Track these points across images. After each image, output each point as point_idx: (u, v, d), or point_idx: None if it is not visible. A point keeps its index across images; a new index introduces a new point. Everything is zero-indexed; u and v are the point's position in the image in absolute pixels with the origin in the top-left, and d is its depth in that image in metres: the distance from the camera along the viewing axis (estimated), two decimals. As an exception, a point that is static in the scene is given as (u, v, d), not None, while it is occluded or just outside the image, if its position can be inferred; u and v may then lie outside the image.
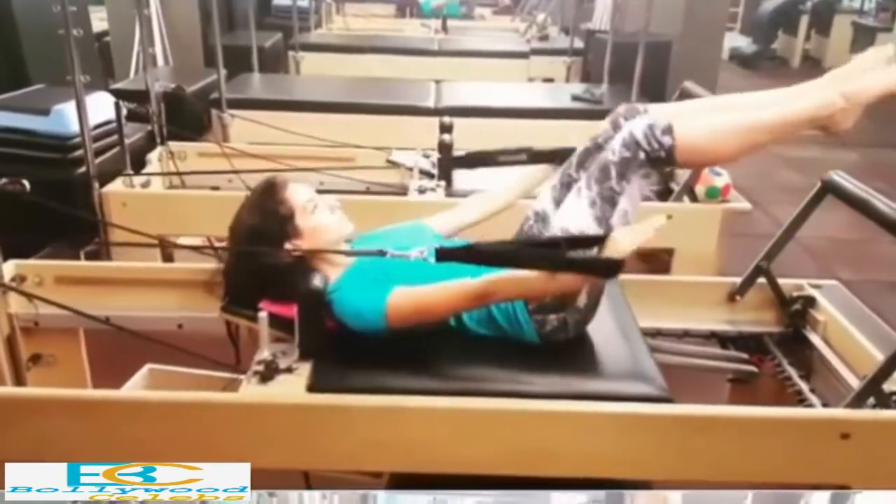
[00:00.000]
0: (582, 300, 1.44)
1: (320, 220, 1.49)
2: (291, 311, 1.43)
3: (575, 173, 1.58)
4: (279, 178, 1.53)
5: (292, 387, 1.39)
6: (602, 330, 1.54)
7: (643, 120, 1.45)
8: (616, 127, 1.55)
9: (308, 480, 1.48)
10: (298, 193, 1.50)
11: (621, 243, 1.30)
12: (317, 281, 1.41)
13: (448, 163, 1.91)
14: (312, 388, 1.39)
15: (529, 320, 1.45)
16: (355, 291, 1.42)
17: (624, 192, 1.43)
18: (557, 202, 1.56)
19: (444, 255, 1.36)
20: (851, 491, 1.35)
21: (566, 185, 1.57)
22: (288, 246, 1.46)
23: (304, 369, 1.42)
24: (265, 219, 1.48)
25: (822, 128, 1.50)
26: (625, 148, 1.43)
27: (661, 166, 1.45)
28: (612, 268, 1.30)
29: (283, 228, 1.46)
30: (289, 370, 1.41)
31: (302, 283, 1.40)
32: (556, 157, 1.71)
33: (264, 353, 1.43)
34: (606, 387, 1.41)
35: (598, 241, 1.34)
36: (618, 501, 1.25)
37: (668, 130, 1.42)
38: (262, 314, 1.41)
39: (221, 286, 1.56)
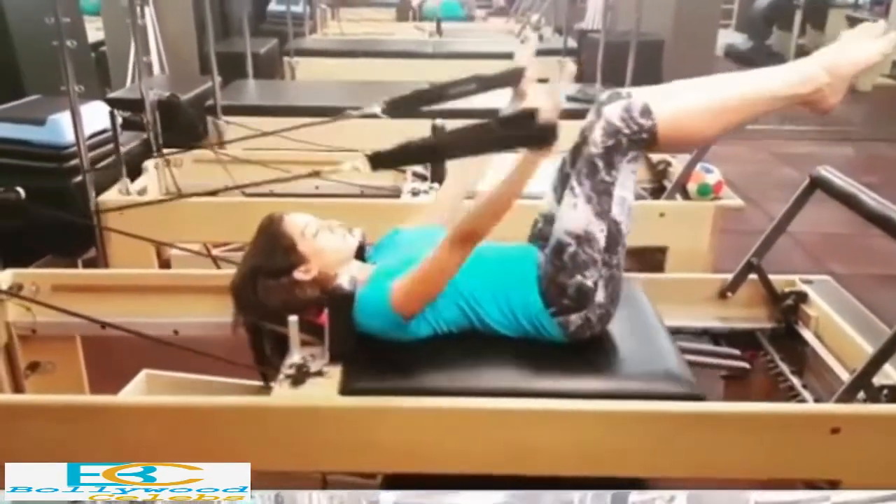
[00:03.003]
0: (600, 296, 1.43)
1: (322, 242, 1.49)
2: (319, 317, 1.46)
3: (569, 170, 1.54)
4: (275, 215, 1.52)
5: (324, 390, 1.40)
6: (627, 329, 1.55)
7: (619, 104, 1.42)
8: (599, 115, 1.49)
9: (325, 482, 1.50)
10: (295, 223, 1.50)
11: (545, 109, 1.25)
12: (347, 284, 1.42)
13: (396, 106, 1.80)
14: (345, 390, 1.40)
15: (553, 322, 1.45)
16: (366, 292, 1.42)
17: (616, 181, 1.41)
18: (560, 202, 1.53)
19: (377, 159, 1.33)
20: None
21: (563, 184, 1.54)
22: (298, 274, 1.47)
23: (334, 373, 1.43)
24: (269, 256, 1.48)
25: (809, 103, 1.47)
26: (606, 137, 1.40)
27: (645, 148, 1.41)
28: (547, 133, 1.24)
29: (287, 259, 1.47)
30: (319, 374, 1.43)
31: (331, 288, 1.42)
32: (506, 80, 1.66)
33: (295, 357, 1.45)
34: (635, 386, 1.41)
35: (529, 114, 1.27)
36: (623, 501, 1.25)
37: (646, 111, 1.39)
38: (293, 318, 1.43)
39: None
